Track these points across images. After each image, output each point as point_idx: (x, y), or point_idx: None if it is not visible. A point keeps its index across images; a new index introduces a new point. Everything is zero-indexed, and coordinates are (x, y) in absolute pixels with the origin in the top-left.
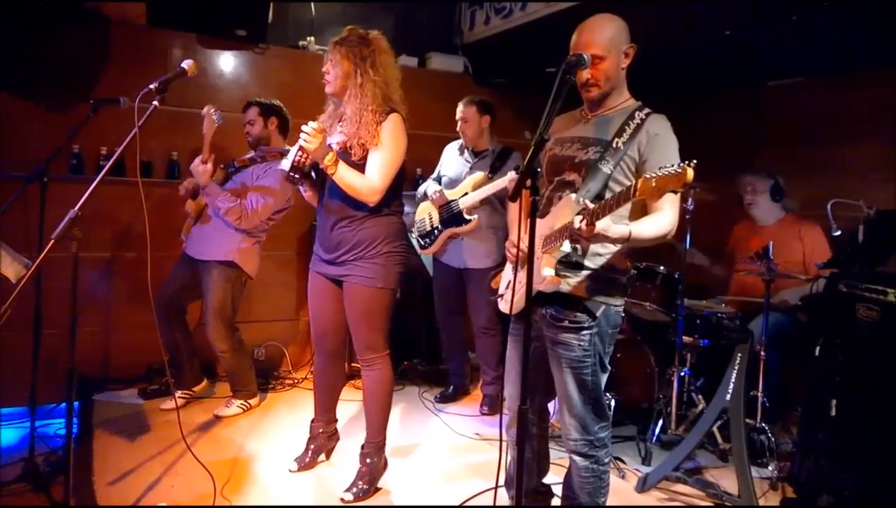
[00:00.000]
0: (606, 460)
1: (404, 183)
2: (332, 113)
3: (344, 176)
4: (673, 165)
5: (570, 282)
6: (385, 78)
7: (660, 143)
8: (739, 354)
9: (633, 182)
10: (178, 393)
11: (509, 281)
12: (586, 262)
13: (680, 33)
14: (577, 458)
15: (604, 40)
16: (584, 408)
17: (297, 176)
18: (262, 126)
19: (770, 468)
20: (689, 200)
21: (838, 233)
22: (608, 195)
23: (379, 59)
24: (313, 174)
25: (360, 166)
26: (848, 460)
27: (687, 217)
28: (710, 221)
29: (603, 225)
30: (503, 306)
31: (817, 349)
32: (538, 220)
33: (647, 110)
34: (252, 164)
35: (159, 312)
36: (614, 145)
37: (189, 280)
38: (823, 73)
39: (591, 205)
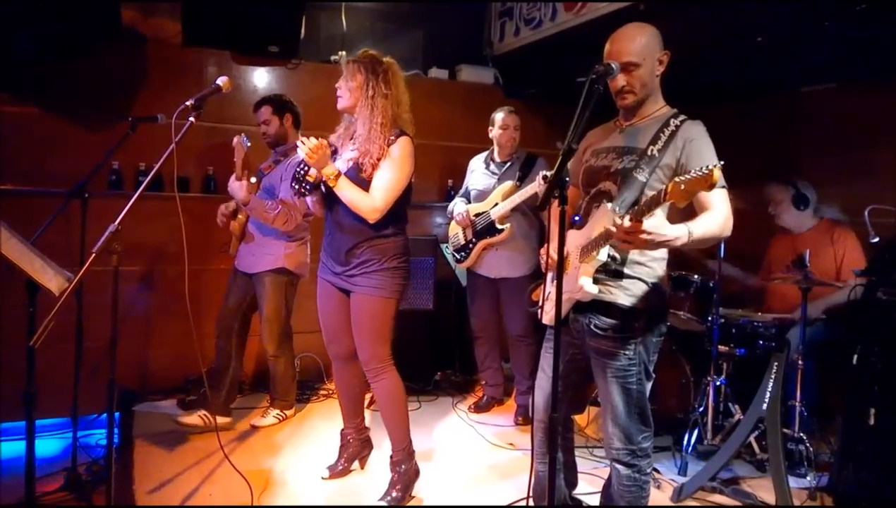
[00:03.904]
0: (648, 470)
1: (408, 203)
2: (344, 132)
3: (345, 191)
4: (700, 168)
5: (612, 292)
6: (396, 97)
7: (696, 148)
8: (776, 363)
9: (665, 185)
10: (201, 412)
11: (549, 292)
12: (626, 271)
13: (711, 41)
14: (619, 466)
15: (638, 47)
16: (629, 418)
17: (300, 187)
18: (279, 124)
19: (808, 478)
20: None
21: (876, 239)
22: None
23: (392, 79)
24: (322, 187)
25: (370, 183)
26: (888, 469)
27: None
28: (744, 229)
29: (654, 225)
30: (543, 317)
31: (855, 357)
32: (576, 231)
33: (682, 117)
34: (275, 166)
35: (220, 329)
36: (649, 153)
37: (244, 293)
38: (857, 78)
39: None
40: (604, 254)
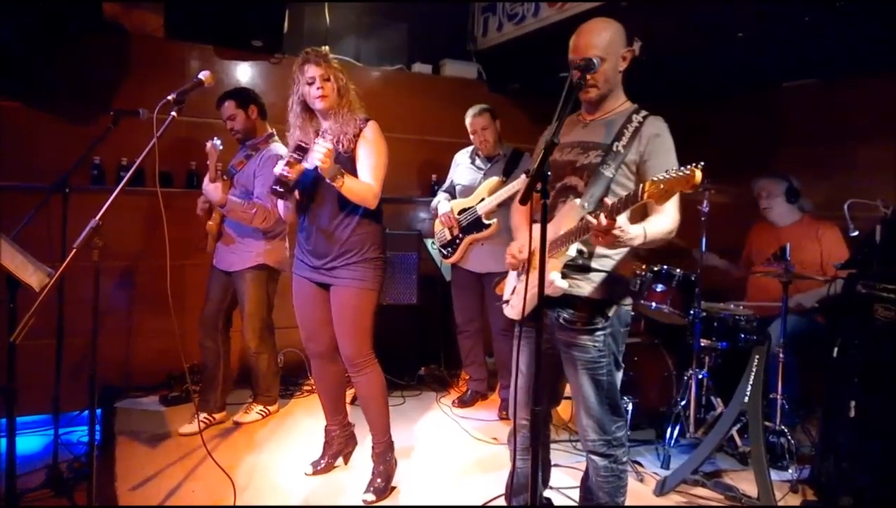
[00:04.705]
0: (624, 459)
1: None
2: (311, 130)
3: (352, 186)
4: (681, 168)
5: (580, 285)
6: (349, 87)
7: (659, 144)
8: (757, 356)
9: (641, 184)
10: (201, 416)
11: (514, 287)
12: (593, 264)
13: (693, 36)
14: (595, 458)
15: (604, 42)
16: (601, 409)
17: (281, 189)
18: (245, 117)
19: (790, 470)
20: (705, 202)
21: (856, 233)
22: (610, 198)
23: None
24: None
25: (347, 159)
26: (868, 461)
27: (702, 219)
28: (725, 223)
29: (622, 221)
30: (509, 312)
31: (835, 350)
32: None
33: (644, 113)
34: (247, 162)
35: (205, 329)
36: (615, 148)
37: (225, 291)
38: (839, 73)
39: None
40: (573, 249)
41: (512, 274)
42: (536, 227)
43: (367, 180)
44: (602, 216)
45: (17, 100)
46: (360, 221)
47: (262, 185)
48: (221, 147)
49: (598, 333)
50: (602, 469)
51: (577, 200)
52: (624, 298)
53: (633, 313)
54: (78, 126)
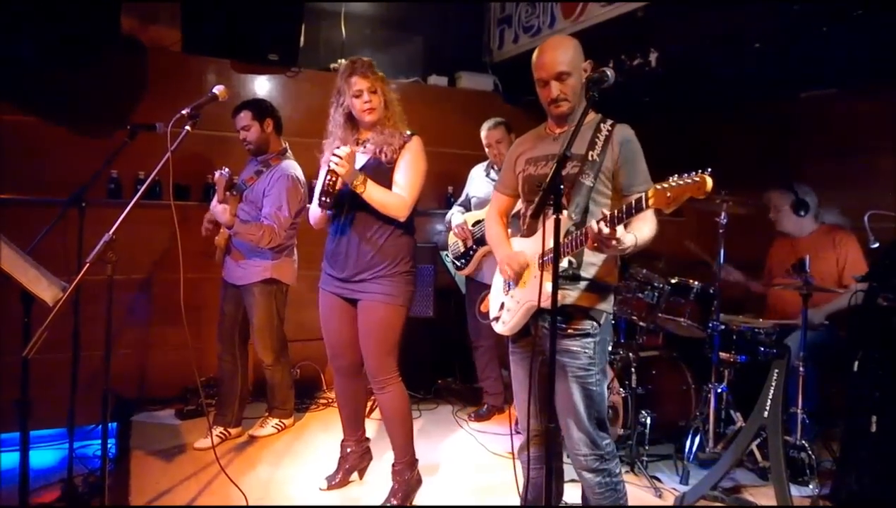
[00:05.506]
0: (618, 470)
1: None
2: (351, 141)
3: (374, 194)
4: (689, 174)
5: (570, 294)
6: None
7: (631, 149)
8: (776, 370)
9: (644, 192)
10: (217, 431)
11: (502, 303)
12: (582, 274)
13: (709, 46)
14: (588, 475)
15: (568, 57)
16: (591, 422)
17: (328, 200)
18: (259, 130)
19: (811, 486)
20: (723, 214)
21: (876, 245)
22: (592, 207)
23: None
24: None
25: (388, 170)
26: (890, 476)
27: (720, 231)
28: (743, 235)
29: (619, 230)
30: (500, 328)
31: (856, 364)
32: (523, 239)
33: (610, 121)
34: (258, 178)
35: (222, 343)
36: (590, 158)
37: (237, 305)
38: (856, 83)
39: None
40: (564, 260)
41: (496, 290)
42: (518, 241)
43: (399, 191)
44: (603, 225)
45: (34, 115)
46: (395, 232)
47: (271, 205)
48: (228, 174)
49: (589, 339)
50: (596, 486)
51: (565, 212)
52: (609, 306)
53: (613, 321)
54: (95, 140)
